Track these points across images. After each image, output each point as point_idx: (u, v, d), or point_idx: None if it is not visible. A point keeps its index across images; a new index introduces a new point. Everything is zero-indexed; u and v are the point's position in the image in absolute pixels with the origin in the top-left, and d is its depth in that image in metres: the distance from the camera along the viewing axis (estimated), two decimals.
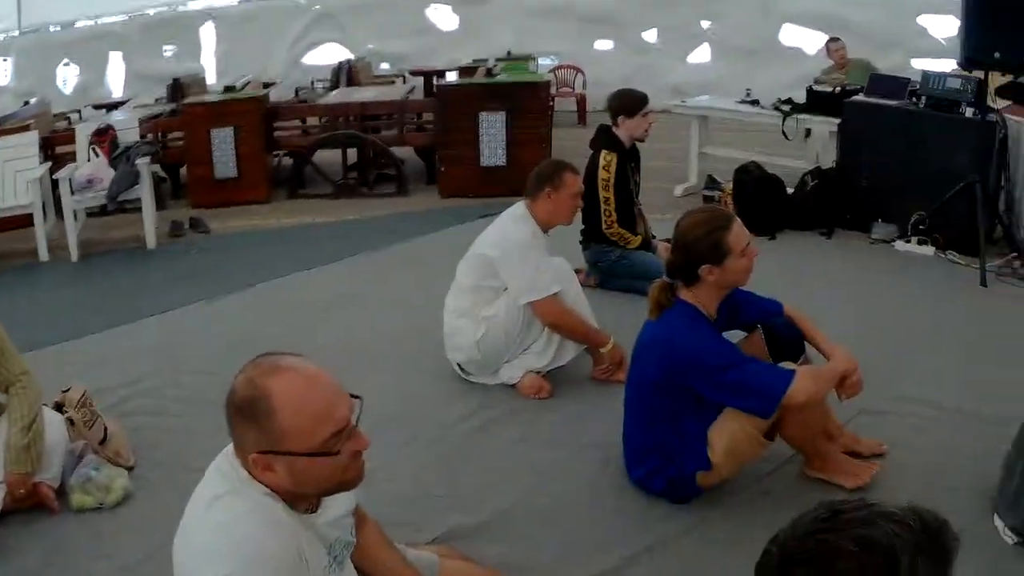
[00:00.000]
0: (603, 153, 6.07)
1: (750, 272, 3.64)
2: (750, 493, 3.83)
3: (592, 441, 4.25)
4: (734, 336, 4.00)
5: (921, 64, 11.04)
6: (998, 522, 3.55)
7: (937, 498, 3.69)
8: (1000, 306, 6.03)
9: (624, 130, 6.17)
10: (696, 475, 3.67)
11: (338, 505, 2.29)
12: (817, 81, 9.13)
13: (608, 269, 6.20)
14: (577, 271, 5.76)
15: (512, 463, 4.14)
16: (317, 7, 14.17)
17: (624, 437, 3.92)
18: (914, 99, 7.51)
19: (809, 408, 3.59)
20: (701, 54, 14.10)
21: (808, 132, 8.98)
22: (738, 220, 3.63)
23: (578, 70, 13.69)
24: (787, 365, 3.63)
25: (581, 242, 6.30)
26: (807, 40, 13.36)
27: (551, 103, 11.10)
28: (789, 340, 3.93)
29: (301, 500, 2.13)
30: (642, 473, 3.83)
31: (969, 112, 7.06)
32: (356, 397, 2.11)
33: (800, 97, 8.55)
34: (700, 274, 3.55)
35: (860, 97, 7.98)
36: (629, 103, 6.20)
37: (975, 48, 6.90)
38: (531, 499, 3.84)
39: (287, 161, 10.15)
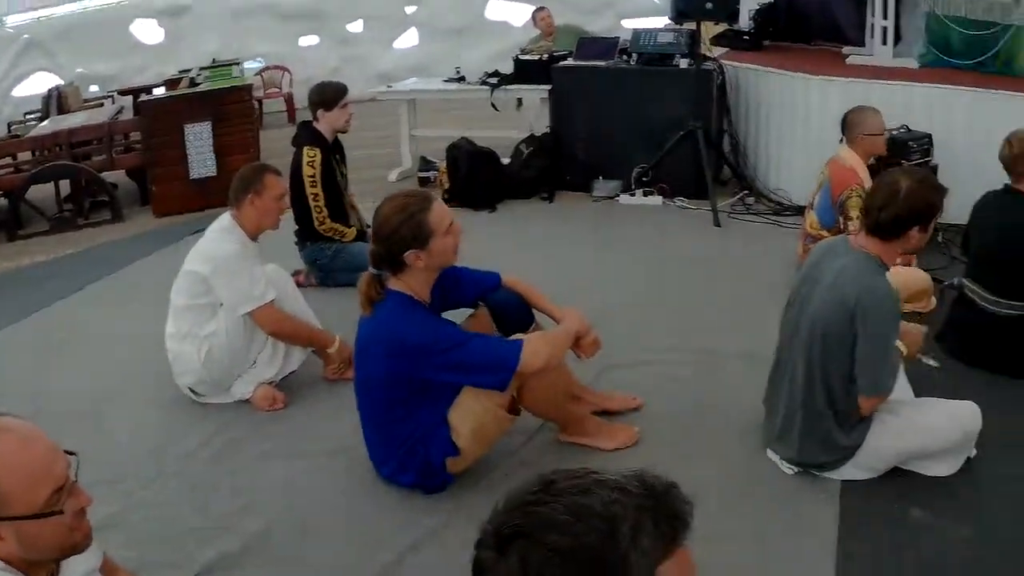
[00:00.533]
0: (306, 149, 5.92)
1: (456, 250, 3.56)
2: (506, 468, 3.78)
3: (337, 445, 4.12)
4: (459, 317, 3.91)
5: (633, 24, 11.27)
6: (772, 455, 3.66)
7: (704, 441, 3.82)
8: (735, 243, 6.27)
9: (325, 123, 6.04)
10: (445, 462, 3.58)
11: (80, 565, 2.20)
12: (524, 51, 9.15)
13: (326, 266, 6.04)
14: (296, 273, 5.62)
15: (262, 481, 3.96)
16: (25, 36, 13.26)
17: (365, 437, 3.78)
18: (625, 57, 7.63)
19: (548, 373, 3.55)
20: (409, 39, 14.06)
21: (520, 102, 8.99)
22: (438, 200, 3.54)
23: (285, 70, 13.34)
24: (519, 336, 3.58)
25: (296, 243, 6.12)
26: (514, 13, 13.50)
27: (256, 106, 10.85)
28: (515, 311, 3.91)
29: (38, 568, 2.06)
30: (390, 471, 3.71)
31: (684, 63, 7.24)
32: (71, 453, 2.05)
33: (508, 69, 8.56)
34: (406, 260, 3.44)
35: (569, 62, 8.05)
36: (327, 96, 6.06)
37: (686, 1, 7.03)
38: (288, 515, 3.69)
39: (3, 202, 9.49)
